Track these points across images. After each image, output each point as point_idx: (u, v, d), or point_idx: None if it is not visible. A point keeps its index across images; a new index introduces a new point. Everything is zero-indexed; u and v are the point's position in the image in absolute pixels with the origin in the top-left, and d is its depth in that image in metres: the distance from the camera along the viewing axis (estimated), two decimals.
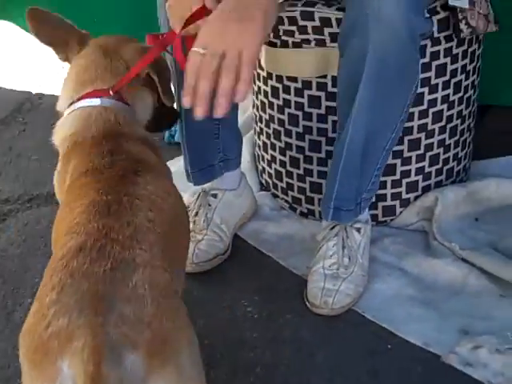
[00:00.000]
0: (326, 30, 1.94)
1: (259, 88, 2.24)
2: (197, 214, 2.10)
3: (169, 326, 1.06)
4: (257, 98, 2.28)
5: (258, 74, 2.22)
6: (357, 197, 1.88)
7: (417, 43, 1.69)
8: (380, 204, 2.16)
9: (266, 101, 2.21)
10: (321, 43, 1.97)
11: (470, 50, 2.09)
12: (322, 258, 1.92)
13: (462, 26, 1.95)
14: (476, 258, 1.94)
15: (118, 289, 1.06)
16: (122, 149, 1.41)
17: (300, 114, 2.10)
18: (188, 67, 1.34)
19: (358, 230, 1.95)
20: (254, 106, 2.36)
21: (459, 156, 2.25)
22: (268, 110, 2.21)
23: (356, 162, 1.80)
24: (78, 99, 1.53)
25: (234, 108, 2.05)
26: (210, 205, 2.12)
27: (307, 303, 1.86)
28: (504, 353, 1.65)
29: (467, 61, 2.10)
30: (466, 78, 2.13)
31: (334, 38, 1.91)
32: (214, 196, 2.14)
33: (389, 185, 2.13)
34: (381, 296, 1.91)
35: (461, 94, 2.13)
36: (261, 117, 2.29)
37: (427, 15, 1.86)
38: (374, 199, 2.05)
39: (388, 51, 1.65)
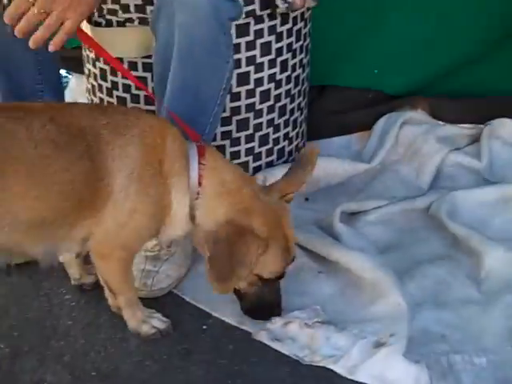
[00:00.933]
0: (149, 9, 1.92)
1: (89, 71, 2.22)
2: None
3: None
4: (88, 81, 2.26)
5: (87, 56, 2.19)
6: None
7: (226, 27, 1.70)
8: None
9: (95, 83, 2.19)
10: (144, 22, 1.95)
11: (295, 28, 2.13)
12: None
13: (278, 1, 1.99)
14: (298, 236, 1.99)
15: None
16: None
17: (128, 96, 2.09)
18: (12, 9, 1.49)
19: None
20: (86, 90, 2.33)
21: (290, 136, 2.30)
22: (98, 93, 2.19)
23: None
24: None
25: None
26: None
27: None
28: (312, 326, 1.71)
29: (293, 39, 2.14)
30: (293, 57, 2.17)
31: None
32: None
33: None
34: (202, 278, 1.92)
35: (288, 73, 2.17)
36: (92, 100, 2.26)
37: None
38: None
39: (195, 35, 1.66)
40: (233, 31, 1.87)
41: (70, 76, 2.99)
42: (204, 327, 1.76)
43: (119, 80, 2.09)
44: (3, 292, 1.87)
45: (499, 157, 2.35)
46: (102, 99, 2.18)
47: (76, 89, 2.86)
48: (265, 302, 1.67)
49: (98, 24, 2.05)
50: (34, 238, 1.52)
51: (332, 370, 1.61)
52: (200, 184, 1.55)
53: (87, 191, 1.48)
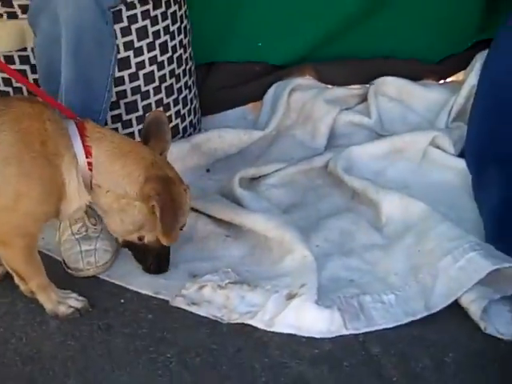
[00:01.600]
0: (15, 3, 1.92)
1: None
2: None
3: None
4: None
5: None
6: None
7: (107, 16, 1.75)
8: None
9: None
10: (12, 16, 1.94)
11: (169, 11, 2.16)
12: (68, 226, 1.92)
13: None
14: (200, 205, 2.04)
15: None
16: None
17: (10, 90, 2.07)
18: None
19: None
20: None
21: (182, 113, 2.34)
22: None
23: None
24: None
25: None
26: None
27: (69, 271, 1.87)
28: (226, 287, 1.76)
29: (169, 22, 2.17)
30: (172, 39, 2.20)
31: (24, 9, 1.88)
32: None
33: None
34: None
35: (169, 54, 2.20)
36: None
37: None
38: None
39: (81, 27, 1.69)
40: None
41: None
42: (122, 301, 1.78)
43: None
44: None
45: (387, 112, 2.47)
46: None
47: None
48: (165, 256, 1.79)
49: None
50: None
51: (250, 326, 1.67)
52: (90, 154, 1.59)
53: None
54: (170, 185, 1.62)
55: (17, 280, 1.73)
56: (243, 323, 1.68)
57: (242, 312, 1.69)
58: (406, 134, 2.28)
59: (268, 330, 1.65)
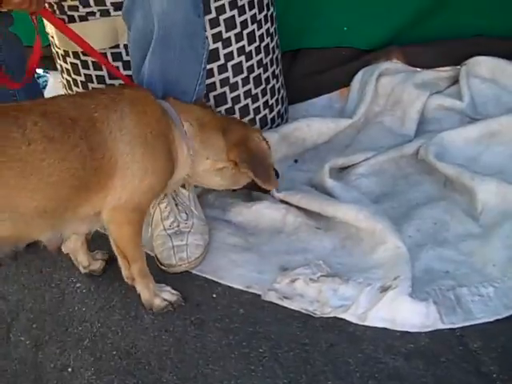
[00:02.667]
0: (108, 1, 1.95)
1: (61, 66, 2.23)
2: None
3: None
4: (62, 76, 2.27)
5: (57, 53, 2.20)
6: None
7: (199, 9, 1.74)
8: None
9: (69, 78, 2.20)
10: (105, 13, 1.98)
11: (256, 0, 2.14)
12: (160, 220, 1.95)
13: None
14: (291, 197, 2.02)
15: None
16: None
17: (103, 87, 2.10)
18: None
19: (183, 185, 1.99)
20: (62, 85, 2.34)
21: (270, 103, 2.33)
22: (74, 87, 2.21)
23: None
24: None
25: None
26: None
27: (163, 267, 1.89)
28: (318, 281, 1.75)
29: (256, 11, 2.15)
30: (259, 28, 2.19)
31: (117, 6, 1.93)
32: None
33: None
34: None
35: (257, 44, 2.19)
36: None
37: None
38: None
39: (173, 21, 1.69)
40: None
41: (47, 75, 2.99)
42: (213, 295, 1.79)
43: (92, 72, 2.11)
44: (17, 288, 1.90)
45: (480, 94, 2.37)
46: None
47: (56, 86, 2.85)
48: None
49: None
50: (40, 225, 1.56)
51: (343, 320, 1.64)
52: (183, 126, 1.70)
53: (87, 173, 1.54)
54: (247, 144, 1.73)
55: (121, 262, 1.77)
56: (335, 317, 1.66)
57: (335, 306, 1.67)
58: (501, 117, 2.19)
59: (361, 323, 1.62)
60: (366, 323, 1.62)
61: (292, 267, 1.82)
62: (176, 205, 1.96)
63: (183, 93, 1.83)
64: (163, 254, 1.89)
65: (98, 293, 1.85)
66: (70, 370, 1.63)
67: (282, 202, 2.06)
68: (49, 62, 2.68)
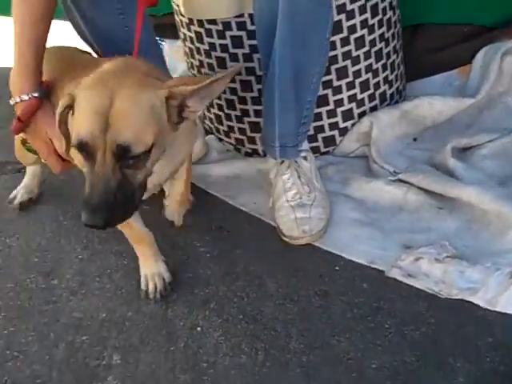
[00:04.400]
0: None
1: (184, 35, 2.26)
2: None
3: None
4: (184, 44, 2.30)
5: (181, 21, 2.23)
6: (296, 131, 1.94)
7: None
8: (319, 136, 2.22)
9: (192, 47, 2.23)
10: None
11: None
12: (282, 192, 1.98)
13: None
14: (412, 178, 2.02)
15: None
16: None
17: (226, 55, 2.13)
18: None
19: (305, 158, 2.02)
20: (184, 54, 2.38)
21: (389, 79, 2.31)
22: (196, 56, 2.24)
23: (290, 99, 1.85)
24: None
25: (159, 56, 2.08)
26: None
27: (285, 238, 1.92)
28: (443, 261, 1.74)
29: None
30: (383, 0, 2.16)
31: None
32: None
33: (324, 116, 2.19)
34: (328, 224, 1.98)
35: (380, 17, 2.17)
36: (192, 63, 2.31)
37: None
38: (312, 131, 2.11)
39: None
40: None
41: (163, 43, 3.03)
42: (336, 268, 1.81)
43: (216, 41, 2.12)
44: None
45: None
46: (201, 61, 2.23)
47: (171, 54, 2.90)
48: None
49: None
50: None
51: (470, 303, 1.64)
52: None
53: None
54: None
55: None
56: (462, 299, 1.65)
57: (462, 288, 1.67)
58: None
59: (490, 308, 1.61)
60: (496, 309, 1.60)
61: (415, 246, 1.82)
62: (298, 177, 1.98)
63: (309, 61, 1.81)
64: (286, 225, 1.92)
65: (221, 258, 1.90)
66: (198, 329, 1.69)
67: (402, 181, 2.06)
68: (165, 31, 2.74)
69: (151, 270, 1.82)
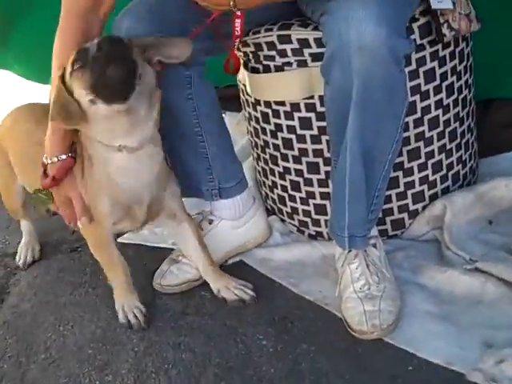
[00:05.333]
0: (306, 51, 1.91)
1: (250, 114, 2.21)
2: None
3: None
4: (249, 124, 2.25)
5: (247, 101, 2.19)
6: (366, 219, 1.86)
7: (401, 64, 1.66)
8: (388, 219, 2.12)
9: (258, 127, 2.18)
10: (302, 64, 1.93)
11: (457, 50, 2.03)
12: (350, 282, 1.87)
13: (445, 30, 1.90)
14: (492, 267, 1.88)
15: None
16: None
17: (293, 136, 2.06)
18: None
19: (374, 245, 1.92)
20: (248, 132, 2.32)
21: (463, 159, 2.20)
22: (262, 136, 2.18)
23: (361, 190, 1.78)
24: None
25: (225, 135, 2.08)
26: (202, 229, 2.10)
27: (352, 332, 1.80)
28: None
29: (456, 61, 2.04)
30: (458, 79, 2.07)
31: (314, 57, 1.88)
32: (210, 222, 2.12)
33: (394, 198, 2.08)
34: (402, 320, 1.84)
35: (455, 96, 2.07)
36: (256, 143, 2.25)
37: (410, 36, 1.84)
38: (380, 214, 2.00)
39: (373, 77, 1.62)
40: None
41: (223, 115, 2.99)
42: (410, 368, 1.67)
43: (283, 122, 2.05)
44: (203, 340, 1.87)
45: None
46: (266, 141, 2.17)
47: (231, 127, 2.85)
48: None
49: (255, 70, 2.06)
50: None
51: None
52: None
53: None
54: None
55: None
56: None
57: None
58: None
59: None
60: None
61: (497, 344, 1.67)
62: (367, 265, 1.87)
63: (380, 148, 1.76)
64: (354, 318, 1.80)
65: (284, 354, 1.78)
66: None
67: (478, 270, 1.92)
68: (226, 103, 2.69)
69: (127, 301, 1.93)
